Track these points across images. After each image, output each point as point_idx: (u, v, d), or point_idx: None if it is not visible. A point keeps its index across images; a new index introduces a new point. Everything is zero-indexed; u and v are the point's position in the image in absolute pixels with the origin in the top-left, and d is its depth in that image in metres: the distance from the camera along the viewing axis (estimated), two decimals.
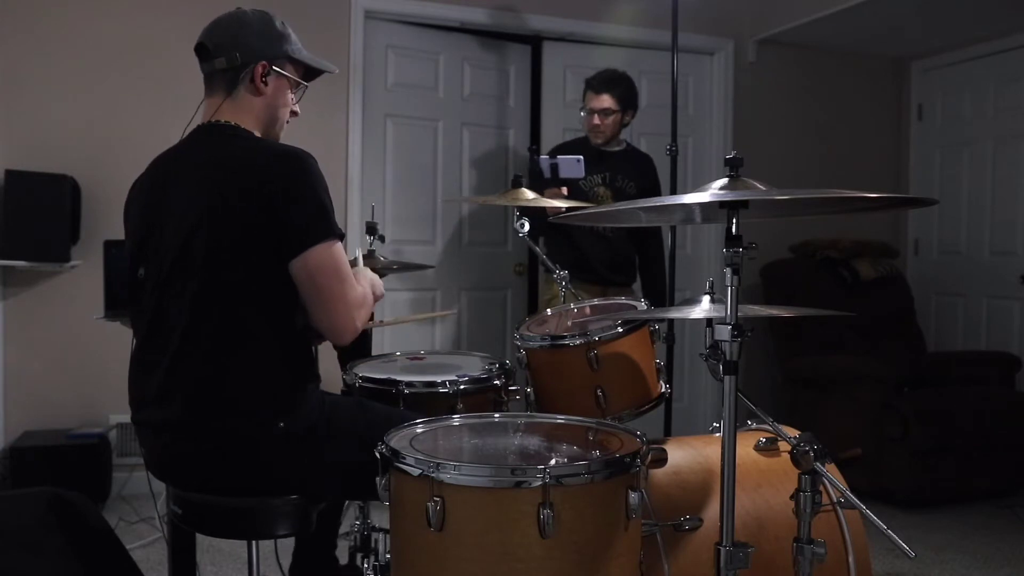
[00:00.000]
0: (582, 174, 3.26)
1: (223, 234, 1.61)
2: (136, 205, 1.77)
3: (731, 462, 1.51)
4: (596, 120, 3.50)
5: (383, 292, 1.91)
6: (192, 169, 1.69)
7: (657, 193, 3.67)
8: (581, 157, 3.22)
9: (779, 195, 1.46)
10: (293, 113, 1.84)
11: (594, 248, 3.50)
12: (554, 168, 3.24)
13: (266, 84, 1.74)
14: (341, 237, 1.67)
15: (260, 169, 1.64)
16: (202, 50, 1.74)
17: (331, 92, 3.92)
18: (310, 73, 1.86)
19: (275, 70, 1.75)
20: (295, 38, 1.81)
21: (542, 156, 3.32)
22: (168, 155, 1.77)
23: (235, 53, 1.71)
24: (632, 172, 3.60)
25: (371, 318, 1.82)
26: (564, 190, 3.29)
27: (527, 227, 2.48)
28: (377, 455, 1.44)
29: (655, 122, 4.45)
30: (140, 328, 1.73)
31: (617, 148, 3.62)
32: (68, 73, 3.65)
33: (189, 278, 1.63)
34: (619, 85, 3.49)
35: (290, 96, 1.81)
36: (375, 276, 1.90)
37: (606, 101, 3.47)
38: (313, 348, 1.77)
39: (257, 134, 1.77)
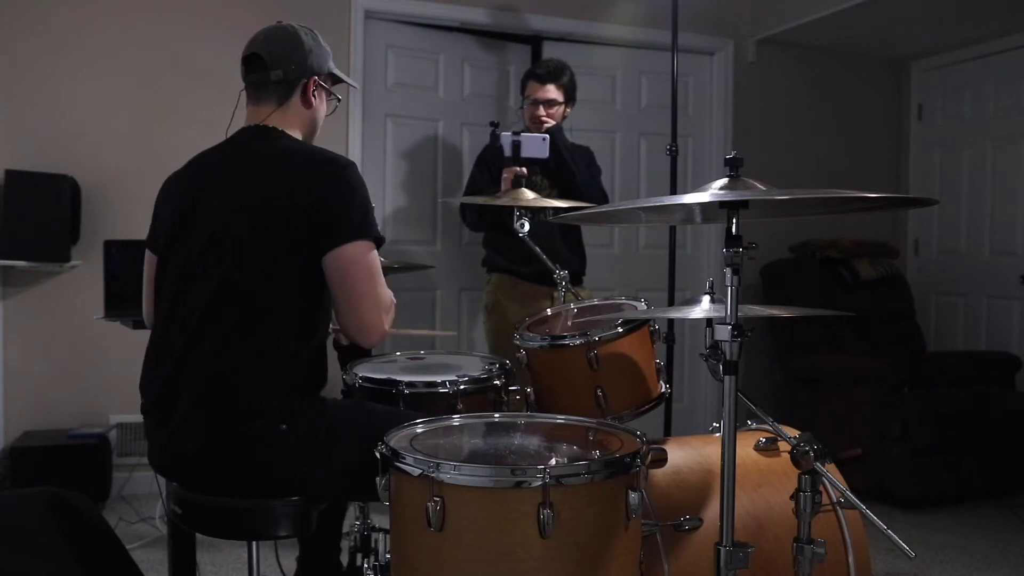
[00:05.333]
0: (546, 154, 3.00)
1: (253, 228, 1.64)
2: (172, 199, 1.80)
3: (731, 462, 1.51)
4: (540, 111, 3.30)
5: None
6: (237, 165, 1.73)
7: (598, 180, 3.46)
8: (547, 136, 2.99)
9: (779, 195, 1.46)
10: None
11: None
12: (516, 146, 2.94)
13: (315, 98, 1.84)
14: (379, 242, 1.72)
15: (306, 170, 1.68)
16: (256, 60, 1.79)
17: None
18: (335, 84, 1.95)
19: (321, 85, 1.85)
20: (330, 52, 1.89)
21: (504, 132, 3.01)
22: (211, 153, 1.81)
23: (292, 67, 1.79)
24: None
25: None
26: (524, 171, 2.96)
27: (527, 227, 2.48)
28: (377, 455, 1.44)
29: (655, 122, 4.46)
30: (159, 317, 1.76)
31: None
32: (68, 73, 3.65)
33: (212, 270, 1.65)
34: (564, 75, 3.33)
35: (325, 107, 1.91)
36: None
37: (552, 92, 3.30)
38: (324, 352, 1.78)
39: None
